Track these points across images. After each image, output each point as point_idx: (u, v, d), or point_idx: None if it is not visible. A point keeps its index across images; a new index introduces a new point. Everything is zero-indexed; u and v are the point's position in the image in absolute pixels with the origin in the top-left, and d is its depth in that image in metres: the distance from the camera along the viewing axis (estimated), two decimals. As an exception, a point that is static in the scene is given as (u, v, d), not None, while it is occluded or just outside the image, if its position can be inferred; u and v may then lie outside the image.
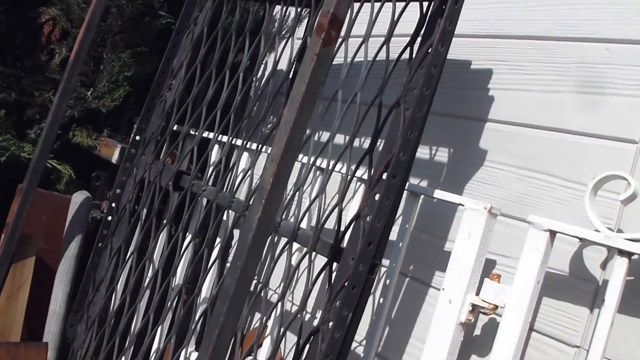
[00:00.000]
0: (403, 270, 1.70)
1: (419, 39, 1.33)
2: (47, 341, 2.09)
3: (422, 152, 1.84)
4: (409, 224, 1.53)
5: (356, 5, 1.56)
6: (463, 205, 1.39)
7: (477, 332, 1.49)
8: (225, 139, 1.89)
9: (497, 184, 1.62)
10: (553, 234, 1.29)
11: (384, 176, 1.25)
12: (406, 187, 1.48)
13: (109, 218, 2.14)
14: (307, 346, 1.33)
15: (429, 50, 1.25)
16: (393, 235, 1.57)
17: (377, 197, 1.25)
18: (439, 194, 1.47)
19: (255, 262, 0.97)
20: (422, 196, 1.55)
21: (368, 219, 1.25)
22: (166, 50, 2.09)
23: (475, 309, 1.33)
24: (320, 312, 1.29)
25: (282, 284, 1.45)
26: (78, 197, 2.23)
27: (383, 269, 1.72)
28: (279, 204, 0.97)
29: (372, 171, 1.29)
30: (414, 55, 1.32)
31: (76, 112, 2.35)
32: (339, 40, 1.49)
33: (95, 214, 2.46)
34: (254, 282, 1.92)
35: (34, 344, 2.03)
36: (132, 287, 2.02)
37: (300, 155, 1.59)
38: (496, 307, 1.32)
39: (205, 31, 2.00)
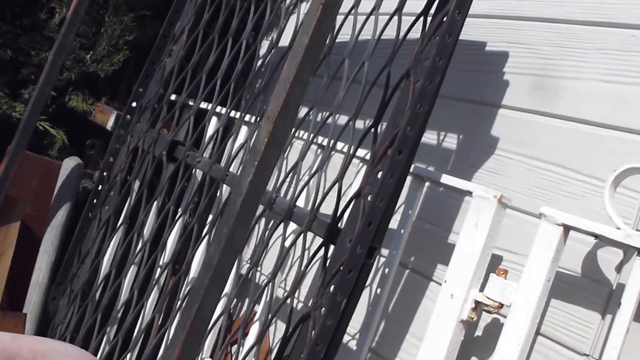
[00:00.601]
0: (403, 261, 1.61)
1: (434, 8, 1.23)
2: (26, 312, 2.00)
3: (430, 138, 1.74)
4: (412, 211, 1.43)
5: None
6: (471, 193, 1.29)
7: (479, 332, 1.39)
8: (224, 110, 1.79)
9: (507, 174, 1.53)
10: (567, 229, 1.19)
11: (389, 152, 1.15)
12: (411, 170, 1.39)
13: (100, 187, 2.05)
14: (296, 333, 1.24)
15: (444, 19, 1.14)
16: (394, 224, 1.48)
17: (379, 174, 1.15)
18: (446, 179, 1.37)
19: (243, 231, 0.87)
20: (427, 182, 1.45)
21: (369, 197, 1.16)
22: (168, 14, 1.99)
23: (478, 307, 1.23)
24: (313, 298, 1.20)
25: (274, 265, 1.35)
26: (69, 163, 2.14)
27: (382, 259, 1.63)
28: (273, 168, 0.88)
29: (376, 146, 1.19)
30: (427, 26, 1.21)
31: (73, 75, 2.26)
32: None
33: (86, 184, 2.37)
34: (246, 265, 1.83)
35: (13, 314, 1.95)
36: (118, 260, 1.93)
37: (301, 132, 1.48)
38: (501, 305, 1.22)
39: (210, -5, 1.91)
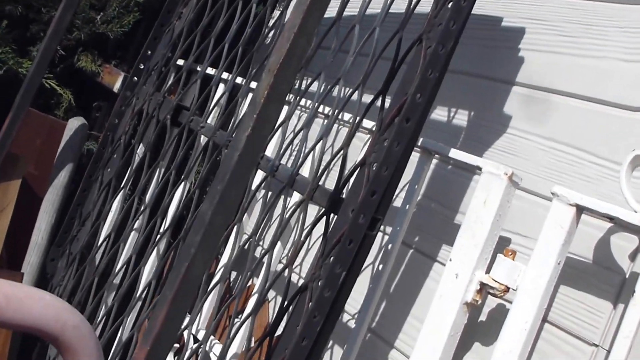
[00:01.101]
0: (407, 240, 1.56)
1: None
2: (23, 272, 1.98)
3: (440, 114, 1.69)
4: (417, 186, 1.37)
5: None
6: (480, 169, 1.23)
7: (483, 317, 1.35)
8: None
9: (519, 154, 1.47)
10: (580, 210, 1.13)
11: (396, 120, 1.10)
12: (419, 144, 1.33)
13: (103, 149, 2.01)
14: (293, 305, 1.20)
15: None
16: (399, 201, 1.43)
17: (386, 142, 1.10)
18: (455, 153, 1.31)
19: (238, 188, 0.83)
20: (435, 156, 1.39)
21: (374, 166, 1.11)
22: (181, -25, 1.94)
23: (483, 289, 1.18)
24: (311, 269, 1.15)
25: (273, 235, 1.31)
26: (73, 123, 2.10)
27: (385, 237, 1.59)
28: (273, 123, 0.83)
29: (383, 113, 1.14)
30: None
31: (83, 35, 2.22)
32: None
33: (91, 146, 2.34)
34: (245, 236, 1.78)
35: (9, 272, 1.92)
36: (118, 224, 1.90)
37: (306, 101, 1.43)
38: (507, 289, 1.16)
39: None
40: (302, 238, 1.23)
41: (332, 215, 1.20)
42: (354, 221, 1.08)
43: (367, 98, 1.30)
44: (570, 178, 1.36)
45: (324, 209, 1.21)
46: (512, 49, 1.57)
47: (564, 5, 1.51)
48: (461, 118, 1.64)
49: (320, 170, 1.23)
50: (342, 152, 1.20)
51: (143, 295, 1.70)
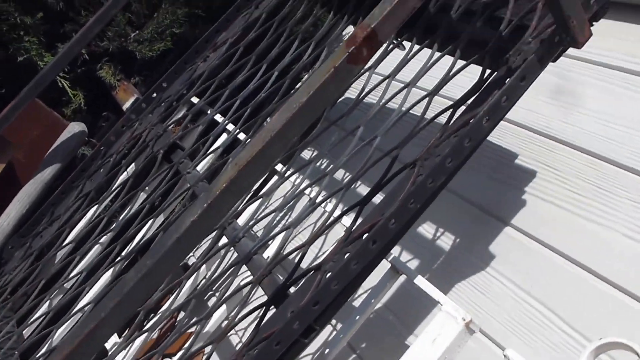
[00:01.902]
0: (353, 343, 1.52)
1: (467, 104, 1.16)
2: (-22, 252, 1.95)
3: (427, 229, 1.67)
4: (374, 300, 1.34)
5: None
6: (441, 305, 1.20)
7: None
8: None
9: (491, 297, 1.44)
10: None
11: (364, 237, 1.07)
12: (389, 259, 1.31)
13: (92, 160, 2.01)
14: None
15: (471, 120, 1.08)
16: (358, 300, 1.40)
17: (346, 256, 1.07)
18: (420, 281, 1.28)
19: (166, 270, 0.80)
20: (402, 276, 1.37)
21: (327, 275, 1.08)
22: (218, 20, 1.97)
23: None
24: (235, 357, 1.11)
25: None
26: (74, 127, 2.11)
27: (328, 334, 1.55)
28: (222, 216, 0.81)
29: (354, 226, 1.12)
30: (452, 120, 1.15)
31: (112, 47, 2.25)
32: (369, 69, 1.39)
33: (86, 151, 2.35)
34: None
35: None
36: (81, 236, 1.88)
37: (295, 176, 1.42)
38: None
39: (262, 17, 1.88)
40: (236, 320, 1.19)
41: (271, 307, 1.17)
42: (288, 324, 1.05)
43: (350, 196, 1.29)
44: (534, 338, 1.32)
45: (266, 299, 1.17)
46: (517, 189, 1.55)
47: (581, 161, 1.49)
48: (445, 241, 1.62)
49: (276, 260, 1.21)
50: (302, 248, 1.18)
51: (78, 315, 1.66)
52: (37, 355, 1.63)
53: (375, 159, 1.21)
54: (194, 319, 1.34)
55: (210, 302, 1.97)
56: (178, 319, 2.16)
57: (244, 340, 1.75)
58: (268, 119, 1.81)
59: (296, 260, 1.20)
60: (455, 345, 1.15)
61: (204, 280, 1.56)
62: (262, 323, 1.12)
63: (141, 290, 0.80)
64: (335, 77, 0.80)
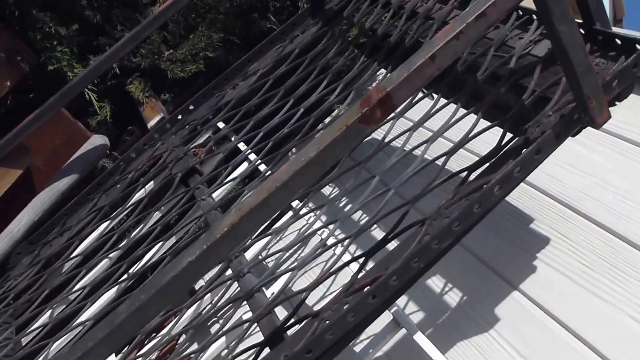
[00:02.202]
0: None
1: (480, 170, 1.15)
2: (-13, 254, 1.96)
3: (435, 282, 1.64)
4: (373, 350, 1.32)
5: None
6: (438, 366, 1.18)
7: None
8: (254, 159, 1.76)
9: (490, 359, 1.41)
10: None
11: (365, 290, 1.06)
12: (392, 311, 1.30)
13: (110, 175, 2.02)
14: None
15: (484, 186, 1.06)
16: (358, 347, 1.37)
17: (345, 307, 1.06)
18: (419, 338, 1.27)
19: (160, 306, 0.80)
20: (403, 329, 1.34)
21: (324, 323, 1.06)
22: (252, 50, 1.99)
23: None
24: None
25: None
26: (96, 140, 2.13)
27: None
28: (221, 259, 0.81)
29: (356, 277, 1.10)
30: (464, 184, 1.13)
31: (144, 63, 2.28)
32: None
33: (107, 164, 2.36)
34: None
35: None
36: (90, 250, 1.88)
37: (309, 216, 1.41)
38: None
39: (295, 52, 1.89)
40: (234, 354, 1.17)
41: (266, 347, 1.15)
42: (279, 370, 1.03)
43: (363, 239, 1.27)
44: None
45: (262, 339, 1.16)
46: (529, 254, 1.53)
47: (597, 235, 1.48)
48: (452, 297, 1.60)
49: (277, 301, 1.19)
50: (305, 292, 1.16)
51: (76, 330, 1.66)
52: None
53: (387, 211, 1.20)
54: (194, 346, 1.33)
55: (213, 329, 1.95)
56: (179, 342, 2.14)
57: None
58: (289, 153, 1.82)
59: (297, 303, 1.19)
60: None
61: (207, 309, 1.55)
62: (254, 365, 1.11)
63: (132, 324, 0.79)
64: (346, 136, 0.80)
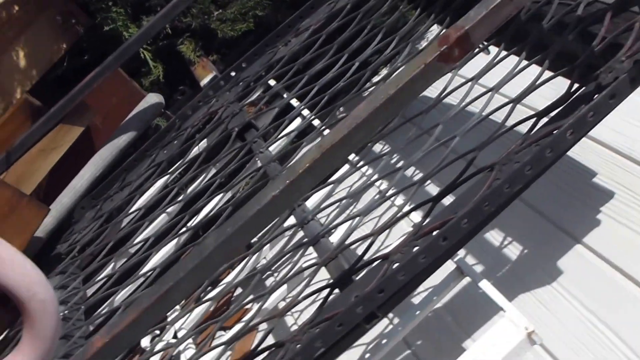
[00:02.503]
0: (409, 339, 1.53)
1: (550, 115, 1.15)
2: (51, 209, 2.04)
3: (494, 236, 1.64)
4: (436, 297, 1.34)
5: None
6: (504, 312, 1.20)
7: None
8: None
9: (557, 314, 1.40)
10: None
11: (434, 233, 1.08)
12: (455, 260, 1.31)
13: (167, 132, 2.07)
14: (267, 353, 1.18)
15: (554, 132, 1.06)
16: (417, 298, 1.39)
17: (415, 249, 1.08)
18: (485, 285, 1.27)
19: (244, 239, 0.83)
20: (467, 277, 1.36)
21: (394, 266, 1.09)
22: (303, 7, 1.99)
23: None
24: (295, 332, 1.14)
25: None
26: (152, 98, 2.18)
27: (384, 327, 1.55)
28: (302, 194, 0.84)
29: (424, 222, 1.13)
30: (534, 129, 1.13)
31: (195, 23, 2.31)
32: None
33: (160, 122, 2.42)
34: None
35: (39, 204, 1.97)
36: (151, 204, 1.95)
37: (365, 168, 1.43)
38: None
39: (347, 8, 1.89)
40: (299, 299, 1.22)
41: (336, 289, 1.19)
42: (351, 308, 1.07)
43: (418, 195, 1.29)
44: (596, 360, 1.28)
45: (331, 281, 1.20)
46: (592, 208, 1.50)
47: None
48: (513, 250, 1.59)
49: (344, 246, 1.23)
50: (371, 237, 1.19)
51: (143, 278, 1.73)
52: (101, 312, 1.70)
53: (450, 160, 1.21)
54: (252, 296, 1.37)
55: (268, 282, 2.00)
56: (235, 294, 2.20)
57: (299, 322, 1.79)
58: (342, 109, 1.84)
59: (362, 250, 1.21)
60: (515, 353, 1.14)
61: (268, 259, 1.59)
62: (326, 304, 1.14)
63: (218, 255, 0.83)
64: (425, 74, 0.81)
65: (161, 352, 1.52)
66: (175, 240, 1.79)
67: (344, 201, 1.35)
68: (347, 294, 1.13)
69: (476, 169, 1.17)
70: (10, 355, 0.73)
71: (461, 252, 1.64)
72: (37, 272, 0.73)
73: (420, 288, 1.56)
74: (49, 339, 0.71)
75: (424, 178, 1.21)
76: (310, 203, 1.54)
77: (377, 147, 2.07)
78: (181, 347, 1.58)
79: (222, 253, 0.83)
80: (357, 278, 1.16)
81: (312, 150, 0.83)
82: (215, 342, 1.35)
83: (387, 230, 1.67)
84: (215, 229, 1.53)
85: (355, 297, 1.10)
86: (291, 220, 1.47)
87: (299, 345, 1.11)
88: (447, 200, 1.22)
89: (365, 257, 1.19)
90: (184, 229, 1.76)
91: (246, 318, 1.53)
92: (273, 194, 0.81)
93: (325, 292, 1.20)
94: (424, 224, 1.12)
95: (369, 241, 1.20)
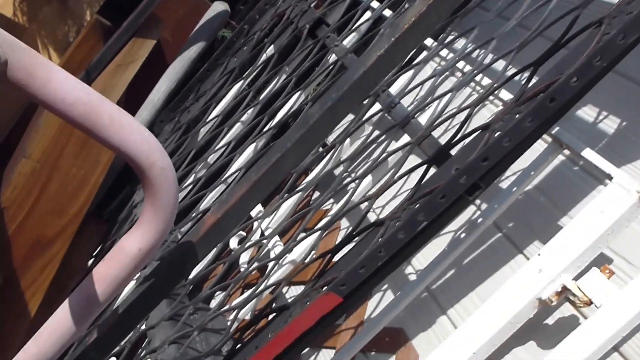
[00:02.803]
0: (499, 223, 1.49)
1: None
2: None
3: (587, 112, 1.56)
4: (534, 173, 1.29)
5: None
6: (610, 179, 1.13)
7: (550, 321, 1.27)
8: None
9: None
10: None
11: (539, 97, 1.01)
12: (552, 132, 1.24)
13: (236, 39, 2.04)
14: (363, 236, 1.18)
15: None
16: (505, 183, 1.34)
17: (518, 115, 1.02)
18: (588, 153, 1.20)
19: (350, 102, 0.80)
20: (565, 150, 1.29)
21: (496, 134, 1.04)
22: None
23: (564, 293, 1.10)
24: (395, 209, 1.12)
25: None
26: (218, 6, 2.14)
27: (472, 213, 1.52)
28: (409, 52, 0.79)
29: (527, 86, 1.06)
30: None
31: None
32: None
33: (225, 33, 2.38)
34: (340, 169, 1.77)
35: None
36: (228, 110, 1.95)
37: (445, 51, 1.36)
38: (590, 303, 1.08)
39: None
40: (395, 177, 1.19)
41: (432, 167, 1.15)
42: (454, 179, 1.03)
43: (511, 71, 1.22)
44: None
45: (427, 158, 1.16)
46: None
47: None
48: (609, 124, 1.50)
49: (438, 121, 1.18)
50: (468, 110, 1.14)
51: (229, 180, 1.75)
52: (192, 215, 1.74)
53: (553, 19, 1.12)
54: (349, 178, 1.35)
55: (368, 161, 1.97)
56: (313, 197, 2.21)
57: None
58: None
59: (457, 125, 1.17)
60: (625, 219, 1.09)
61: (360, 143, 1.55)
62: (423, 181, 1.12)
63: (324, 123, 0.81)
64: None
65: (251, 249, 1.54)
66: (254, 144, 1.80)
67: (433, 79, 1.29)
68: (447, 168, 1.09)
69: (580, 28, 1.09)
70: (134, 226, 0.75)
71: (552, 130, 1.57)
72: (155, 140, 0.73)
73: (508, 172, 1.52)
74: (170, 207, 0.72)
75: (523, 43, 1.13)
76: (394, 89, 1.49)
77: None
78: (270, 245, 1.61)
79: (328, 119, 0.81)
80: (455, 153, 1.12)
81: (415, 5, 0.77)
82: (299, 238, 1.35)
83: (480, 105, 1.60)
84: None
85: (455, 170, 1.07)
86: (376, 107, 1.43)
87: (399, 222, 1.10)
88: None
89: (463, 130, 1.14)
90: (265, 129, 1.76)
91: (332, 212, 1.54)
92: (378, 53, 0.77)
93: (421, 170, 1.16)
94: (527, 88, 1.06)
95: (465, 114, 1.15)
